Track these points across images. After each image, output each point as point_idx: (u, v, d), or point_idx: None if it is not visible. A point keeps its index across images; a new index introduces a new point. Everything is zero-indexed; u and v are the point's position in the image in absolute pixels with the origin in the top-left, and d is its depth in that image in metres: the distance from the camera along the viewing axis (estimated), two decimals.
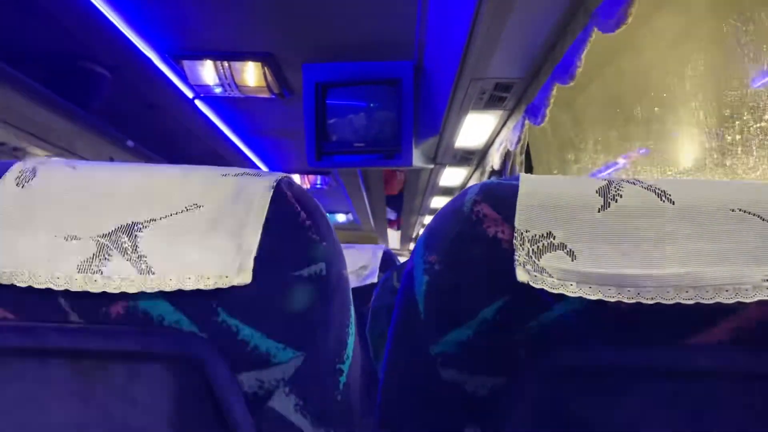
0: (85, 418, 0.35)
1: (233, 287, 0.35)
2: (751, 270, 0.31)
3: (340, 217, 5.93)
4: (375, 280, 1.25)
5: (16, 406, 0.35)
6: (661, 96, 1.28)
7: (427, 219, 4.99)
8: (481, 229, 0.35)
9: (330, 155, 2.21)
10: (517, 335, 0.34)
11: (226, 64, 2.14)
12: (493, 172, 2.27)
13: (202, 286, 0.34)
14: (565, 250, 0.33)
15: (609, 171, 1.62)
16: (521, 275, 0.33)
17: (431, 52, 1.94)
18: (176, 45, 2.05)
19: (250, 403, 0.35)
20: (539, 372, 0.33)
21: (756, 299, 0.31)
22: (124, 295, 0.35)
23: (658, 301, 0.31)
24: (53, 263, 0.34)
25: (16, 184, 0.37)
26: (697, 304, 0.31)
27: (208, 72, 2.19)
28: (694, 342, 0.33)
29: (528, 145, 1.89)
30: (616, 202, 0.34)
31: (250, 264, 0.35)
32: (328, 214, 0.41)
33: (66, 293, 0.34)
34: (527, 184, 0.36)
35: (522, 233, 0.34)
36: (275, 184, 0.38)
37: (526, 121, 1.65)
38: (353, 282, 1.25)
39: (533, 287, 0.32)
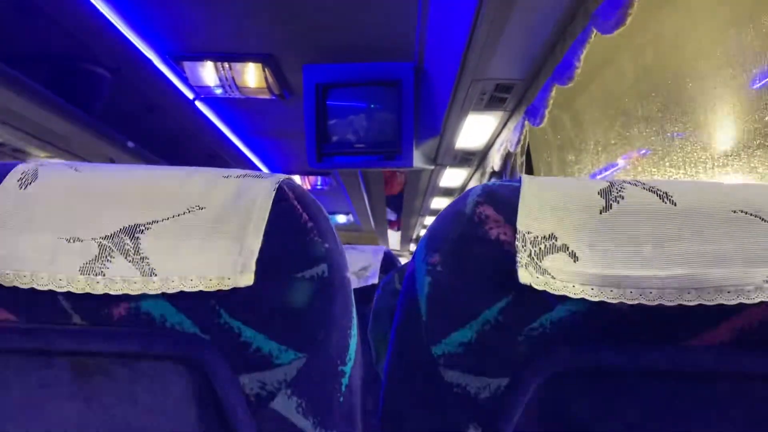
0: (87, 420, 0.35)
1: (235, 289, 0.35)
2: (753, 271, 0.31)
3: (341, 218, 5.93)
4: (376, 281, 1.24)
5: (19, 408, 0.35)
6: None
7: (428, 220, 4.98)
8: (484, 230, 0.35)
9: (330, 156, 2.21)
10: (519, 336, 0.34)
11: (226, 65, 2.14)
12: (493, 173, 2.27)
13: (204, 288, 0.34)
14: (568, 252, 0.33)
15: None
16: (523, 277, 0.33)
17: (431, 54, 1.94)
18: (177, 46, 2.05)
19: (252, 404, 0.35)
20: (542, 373, 0.33)
21: (758, 300, 0.31)
22: (126, 297, 0.35)
23: (660, 302, 0.31)
24: (55, 265, 0.34)
25: (17, 185, 0.37)
26: (699, 305, 0.31)
27: (208, 73, 2.19)
28: (696, 343, 0.33)
29: (528, 146, 1.89)
30: (618, 203, 0.34)
31: (252, 265, 0.35)
32: (328, 215, 0.41)
33: (68, 295, 0.34)
34: (529, 185, 0.36)
35: (524, 235, 0.34)
36: (277, 185, 0.38)
37: (526, 122, 1.65)
38: (354, 283, 1.25)
39: (535, 289, 0.32)
